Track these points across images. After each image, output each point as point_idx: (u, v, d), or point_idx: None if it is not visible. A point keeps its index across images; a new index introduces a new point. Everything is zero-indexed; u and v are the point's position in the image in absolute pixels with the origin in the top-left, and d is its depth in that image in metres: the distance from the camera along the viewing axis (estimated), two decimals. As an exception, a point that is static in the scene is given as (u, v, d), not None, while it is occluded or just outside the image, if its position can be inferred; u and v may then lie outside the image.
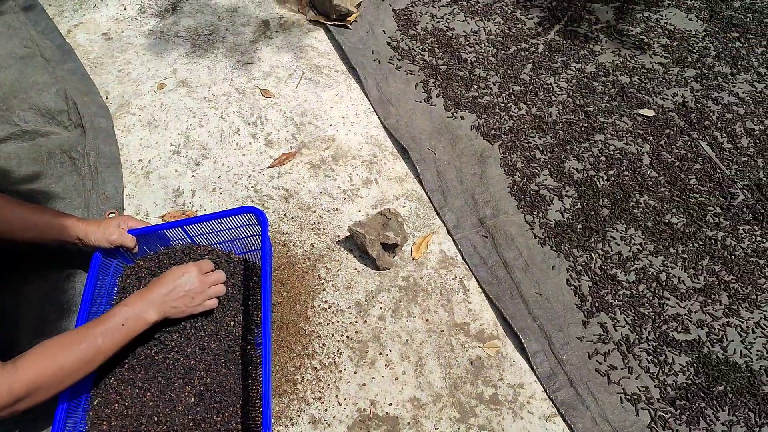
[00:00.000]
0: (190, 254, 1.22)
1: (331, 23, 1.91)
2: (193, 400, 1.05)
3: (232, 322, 1.15)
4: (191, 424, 1.03)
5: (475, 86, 1.76)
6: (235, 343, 1.12)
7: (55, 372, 0.87)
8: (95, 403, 1.06)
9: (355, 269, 1.35)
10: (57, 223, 1.13)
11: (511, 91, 1.75)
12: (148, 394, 1.06)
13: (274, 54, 1.84)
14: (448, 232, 1.43)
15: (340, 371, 1.19)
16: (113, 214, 1.38)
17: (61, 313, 1.23)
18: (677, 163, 1.57)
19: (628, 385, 1.18)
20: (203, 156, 1.55)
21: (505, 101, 1.72)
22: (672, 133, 1.65)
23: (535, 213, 1.46)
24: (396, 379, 1.19)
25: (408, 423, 1.13)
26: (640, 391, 1.18)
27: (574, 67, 1.83)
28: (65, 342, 0.91)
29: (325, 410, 1.14)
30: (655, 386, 1.19)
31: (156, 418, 1.03)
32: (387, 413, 1.14)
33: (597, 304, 1.30)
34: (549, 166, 1.56)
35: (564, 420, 1.14)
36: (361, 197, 1.48)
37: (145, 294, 1.03)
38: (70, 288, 1.27)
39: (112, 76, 1.73)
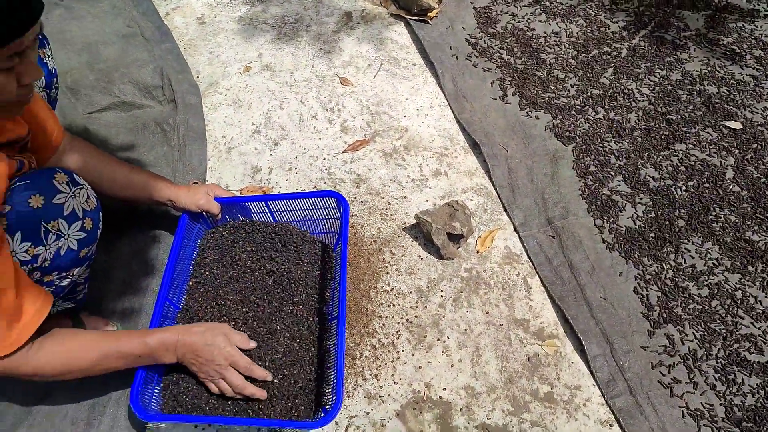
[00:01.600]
0: (267, 229, 1.28)
1: (412, 17, 1.94)
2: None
3: (305, 296, 1.19)
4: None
5: (552, 87, 1.74)
6: (308, 317, 1.17)
7: (61, 368, 0.91)
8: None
9: (419, 256, 1.37)
10: (152, 184, 1.21)
11: (589, 94, 1.72)
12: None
13: (355, 44, 1.89)
14: (515, 229, 1.43)
15: (398, 352, 1.22)
16: (196, 184, 1.47)
17: (147, 270, 1.32)
18: (763, 179, 1.50)
19: (692, 401, 1.15)
20: (282, 137, 1.62)
21: (583, 104, 1.69)
22: (759, 147, 1.58)
23: (605, 218, 1.43)
24: (452, 365, 1.20)
25: (461, 409, 1.14)
26: (704, 407, 1.14)
27: (659, 73, 1.78)
28: (83, 345, 0.94)
29: (381, 387, 1.17)
30: (720, 405, 1.14)
31: None
32: (440, 397, 1.16)
33: (665, 316, 1.26)
34: (624, 172, 1.53)
35: (621, 427, 1.12)
36: (430, 188, 1.51)
37: (175, 335, 1.01)
38: (156, 247, 1.36)
39: (203, 58, 1.84)
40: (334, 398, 0.98)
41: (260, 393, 1.03)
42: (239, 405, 1.07)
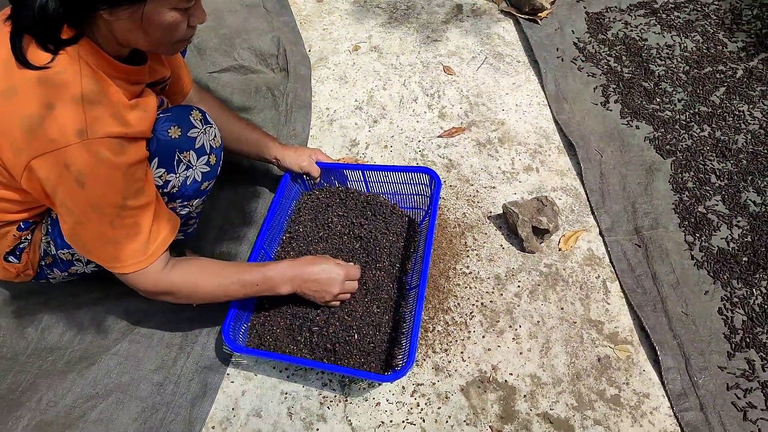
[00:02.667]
0: (360, 198, 1.36)
1: (522, 16, 1.96)
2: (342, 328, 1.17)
3: (387, 264, 1.26)
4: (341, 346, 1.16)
5: (658, 99, 1.71)
6: (389, 284, 1.24)
7: (190, 288, 1.01)
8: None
9: (501, 245, 1.40)
10: (263, 141, 1.32)
11: (696, 110, 1.68)
12: (303, 312, 1.20)
13: (462, 36, 1.93)
14: (600, 233, 1.43)
15: (469, 332, 1.26)
16: (301, 147, 1.56)
17: (244, 221, 1.43)
18: None
19: (765, 428, 1.12)
20: (381, 115, 1.69)
21: (688, 120, 1.65)
22: None
23: (697, 235, 1.40)
24: (521, 353, 1.23)
25: (524, 396, 1.17)
26: (778, 438, 1.11)
27: (775, 98, 1.71)
28: (209, 271, 1.04)
29: (449, 362, 1.21)
30: (797, 439, 1.11)
31: (306, 333, 1.17)
32: (506, 381, 1.19)
33: (748, 340, 1.23)
34: (723, 192, 1.48)
35: (686, 440, 1.11)
36: (519, 181, 1.53)
37: (290, 269, 1.10)
38: (255, 202, 1.47)
39: (316, 33, 1.94)
40: (405, 359, 1.04)
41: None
42: (315, 353, 1.15)
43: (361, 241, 1.30)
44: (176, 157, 0.98)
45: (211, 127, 1.05)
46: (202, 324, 1.25)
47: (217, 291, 1.04)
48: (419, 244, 1.31)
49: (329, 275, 1.12)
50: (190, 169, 1.01)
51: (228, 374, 1.20)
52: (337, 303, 1.18)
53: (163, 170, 0.98)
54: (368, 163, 1.54)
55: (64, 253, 1.07)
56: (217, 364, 1.20)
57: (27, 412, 1.12)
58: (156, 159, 0.96)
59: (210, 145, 1.04)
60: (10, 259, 1.09)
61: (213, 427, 1.13)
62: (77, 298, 1.28)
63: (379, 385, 1.18)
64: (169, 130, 0.96)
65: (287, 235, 1.34)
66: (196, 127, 1.01)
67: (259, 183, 1.51)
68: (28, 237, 1.08)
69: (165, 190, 1.00)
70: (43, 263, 1.10)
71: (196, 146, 1.01)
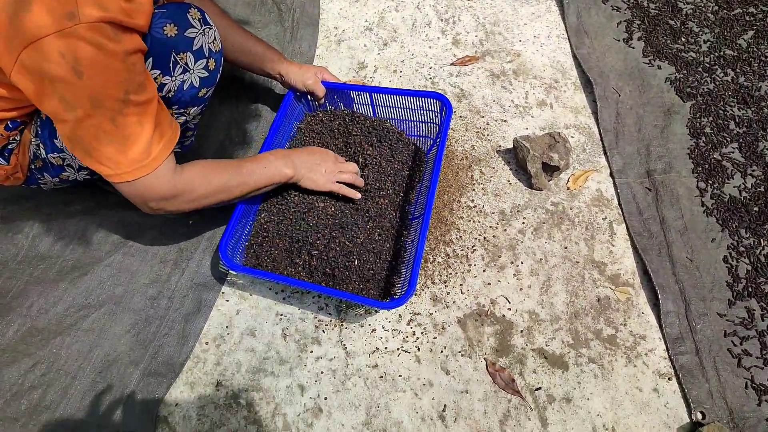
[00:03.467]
0: (366, 122, 1.30)
1: (548, -60, 1.83)
2: (342, 254, 1.15)
3: (391, 192, 1.22)
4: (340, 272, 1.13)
5: (683, 39, 1.63)
6: (392, 212, 1.20)
7: (204, 184, 0.97)
8: (261, 216, 1.20)
9: (508, 181, 1.36)
10: (268, 55, 1.24)
11: (722, 53, 1.60)
12: (303, 235, 1.17)
13: (482, -41, 1.81)
14: (611, 174, 1.38)
15: (470, 265, 1.24)
16: (307, 65, 1.49)
17: (243, 139, 1.38)
18: None
19: (758, 375, 1.12)
20: (392, 38, 1.60)
21: (712, 62, 1.58)
22: None
23: (710, 182, 1.36)
24: (520, 289, 1.21)
25: (521, 331, 1.16)
26: (769, 386, 1.11)
27: (805, 46, 1.63)
28: (219, 166, 1.01)
29: (447, 293, 1.20)
30: (787, 387, 1.11)
31: (304, 256, 1.15)
32: (503, 315, 1.18)
33: (751, 289, 1.21)
34: (741, 140, 1.43)
35: (679, 383, 1.11)
36: (532, 116, 1.47)
37: (288, 152, 1.13)
38: (255, 120, 1.41)
39: (327, -54, 1.81)
40: (405, 288, 1.02)
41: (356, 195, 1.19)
42: (313, 277, 1.13)
43: (366, 167, 1.25)
44: (172, 58, 0.91)
45: (210, 28, 0.97)
46: (198, 241, 1.22)
47: (229, 182, 1.00)
48: (425, 173, 1.27)
49: (321, 151, 1.17)
50: (187, 73, 0.95)
51: (223, 293, 1.18)
52: (339, 188, 1.17)
53: (158, 72, 0.91)
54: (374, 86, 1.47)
55: (54, 158, 1.02)
56: (211, 282, 1.18)
57: (17, 318, 1.10)
58: (151, 59, 0.89)
59: (209, 48, 0.97)
60: None
61: (206, 343, 1.13)
62: (69, 206, 1.24)
63: (376, 312, 1.17)
64: (164, 28, 0.89)
65: None
66: (195, 27, 0.93)
67: (260, 101, 1.45)
68: (17, 138, 1.02)
69: (161, 94, 0.94)
70: (33, 167, 1.05)
71: (194, 48, 0.94)
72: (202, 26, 0.95)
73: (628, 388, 1.10)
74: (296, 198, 1.20)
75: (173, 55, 0.91)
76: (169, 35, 0.89)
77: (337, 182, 1.17)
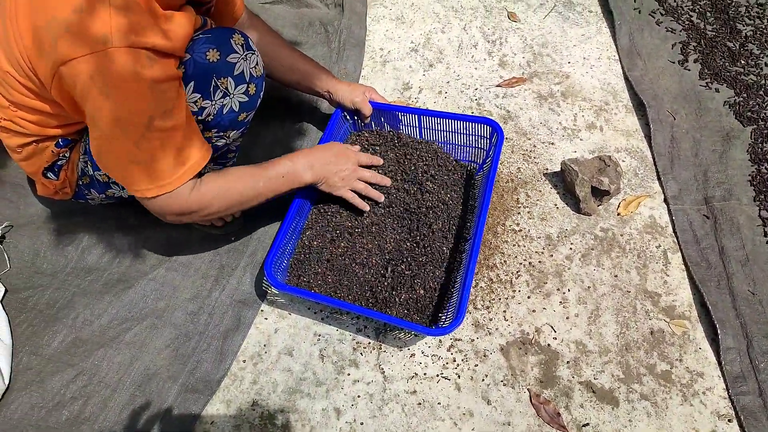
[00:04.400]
0: (411, 145, 1.28)
1: (599, -38, 1.80)
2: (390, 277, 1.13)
3: (445, 218, 1.19)
4: (387, 293, 1.11)
5: (743, 61, 1.56)
6: (443, 239, 1.17)
7: (220, 200, 0.96)
8: (306, 234, 1.19)
9: (555, 205, 1.32)
10: (316, 73, 1.25)
11: (785, 76, 1.52)
12: (348, 256, 1.16)
13: (531, -19, 1.80)
14: (665, 200, 1.32)
15: (514, 291, 1.19)
16: (355, 83, 1.49)
17: (288, 157, 1.38)
18: None
19: (832, 422, 1.03)
20: (438, 60, 1.59)
21: (775, 86, 1.50)
22: None
23: (773, 211, 1.28)
24: (567, 318, 1.16)
25: (567, 362, 1.11)
26: (843, 434, 1.02)
27: None
28: (238, 179, 0.99)
29: (490, 320, 1.16)
30: None
31: (349, 277, 1.14)
32: (549, 345, 1.13)
33: (820, 327, 1.12)
34: (808, 167, 1.35)
35: (740, 425, 1.03)
36: (581, 139, 1.43)
37: (308, 155, 1.09)
38: (300, 139, 1.42)
39: (375, -31, 1.84)
40: (453, 315, 0.99)
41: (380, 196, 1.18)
42: (357, 299, 1.11)
43: (411, 190, 1.23)
44: (213, 83, 0.92)
45: (253, 54, 0.98)
46: (239, 258, 1.23)
47: (245, 195, 1.00)
48: (476, 198, 1.23)
49: (338, 147, 1.15)
50: (227, 97, 0.95)
51: (262, 311, 1.18)
52: (352, 197, 1.16)
53: (198, 96, 0.92)
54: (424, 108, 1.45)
55: (101, 175, 1.05)
56: (251, 300, 1.18)
57: (63, 328, 1.12)
58: (192, 83, 0.91)
59: (250, 73, 0.98)
60: (48, 175, 1.08)
61: (244, 361, 1.12)
62: (118, 221, 1.27)
63: (416, 336, 1.14)
64: (207, 53, 0.90)
65: None
66: (237, 53, 0.94)
67: (305, 120, 1.46)
68: (66, 155, 1.06)
69: (200, 118, 0.95)
70: (81, 183, 1.09)
71: (235, 73, 0.95)
72: (244, 52, 0.96)
73: (684, 428, 1.03)
74: (344, 217, 1.20)
75: (214, 79, 0.92)
76: (211, 60, 0.91)
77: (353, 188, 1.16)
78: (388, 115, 1.31)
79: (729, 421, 1.04)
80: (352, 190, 1.16)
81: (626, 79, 1.54)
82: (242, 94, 0.98)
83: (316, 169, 1.09)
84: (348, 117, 1.31)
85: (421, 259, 1.13)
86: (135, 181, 0.86)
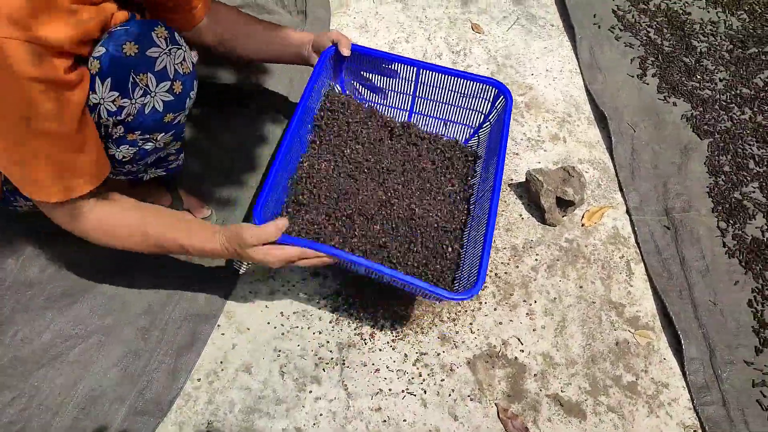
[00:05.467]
0: (407, 132, 1.22)
1: (560, -22, 1.83)
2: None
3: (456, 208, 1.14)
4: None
5: (698, 77, 1.60)
6: (456, 227, 1.11)
7: (105, 241, 0.92)
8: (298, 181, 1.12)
9: (520, 215, 1.31)
10: (291, 33, 1.20)
11: (738, 92, 1.57)
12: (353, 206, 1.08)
13: (494, -6, 1.81)
14: (627, 212, 1.33)
15: (481, 303, 1.17)
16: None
17: (249, 166, 1.34)
18: None
19: (792, 431, 1.04)
20: (402, 69, 1.58)
21: (729, 101, 1.54)
22: None
23: (731, 221, 1.31)
24: (534, 330, 1.14)
25: (535, 375, 1.09)
26: (803, 442, 1.03)
27: (823, 86, 1.60)
28: (128, 228, 0.93)
29: (456, 332, 1.13)
30: (823, 444, 1.03)
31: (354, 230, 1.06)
32: (516, 358, 1.11)
33: (779, 336, 1.14)
34: (761, 179, 1.39)
35: (705, 436, 1.03)
36: (545, 150, 1.43)
37: (238, 251, 0.94)
38: (261, 146, 1.37)
39: (339, -23, 1.82)
40: (474, 278, 0.92)
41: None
42: (369, 250, 1.04)
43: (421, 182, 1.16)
44: (131, 79, 0.84)
45: (179, 48, 0.90)
46: (196, 268, 1.16)
47: (135, 247, 0.94)
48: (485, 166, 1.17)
49: (272, 257, 0.95)
50: (148, 96, 0.87)
51: (219, 325, 1.12)
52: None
53: (116, 93, 0.84)
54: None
55: None
56: (208, 314, 1.12)
57: (0, 347, 1.04)
58: (108, 79, 0.83)
59: (175, 69, 0.90)
60: None
61: (199, 379, 1.05)
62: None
63: (380, 351, 1.10)
64: (123, 46, 0.82)
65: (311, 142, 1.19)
66: (159, 46, 0.86)
67: (268, 127, 1.41)
68: None
69: (119, 118, 0.87)
70: (6, 189, 1.00)
71: (156, 68, 0.87)
72: (168, 46, 0.88)
73: (651, 440, 1.02)
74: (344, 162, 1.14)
75: (132, 75, 0.84)
76: (128, 54, 0.83)
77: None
78: (375, 65, 1.20)
79: (694, 431, 1.04)
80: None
81: (588, 91, 1.56)
82: (166, 92, 0.90)
83: (228, 245, 0.95)
84: (329, 66, 1.19)
85: (433, 223, 1.08)
86: (17, 181, 0.81)
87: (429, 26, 1.69)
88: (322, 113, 1.20)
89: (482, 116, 1.22)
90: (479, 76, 1.17)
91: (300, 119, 1.08)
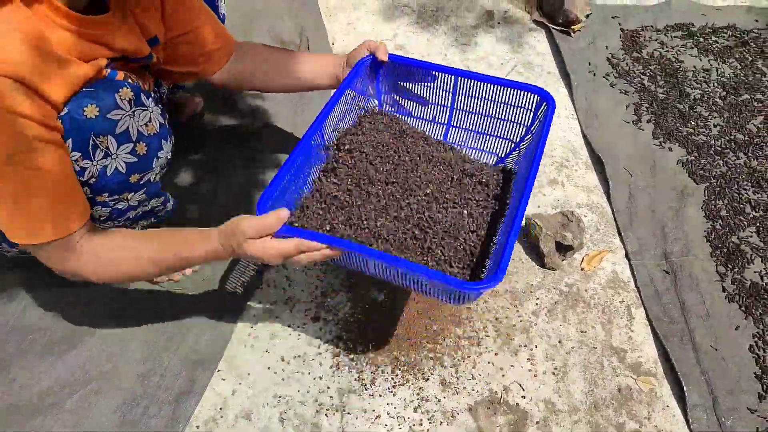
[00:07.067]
0: (439, 149, 1.15)
1: (555, 27, 1.89)
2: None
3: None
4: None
5: (693, 123, 1.63)
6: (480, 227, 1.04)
7: (98, 276, 0.92)
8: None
9: (520, 259, 1.32)
10: (317, 59, 1.20)
11: (732, 137, 1.60)
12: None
13: (491, 43, 1.86)
14: (626, 256, 1.34)
15: (481, 348, 1.17)
16: None
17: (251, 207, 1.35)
18: None
19: (799, 481, 1.02)
20: (403, 114, 1.61)
21: (724, 146, 1.57)
22: None
23: (729, 266, 1.32)
24: (535, 375, 1.14)
25: (537, 422, 1.08)
26: (811, 493, 1.01)
27: (815, 132, 1.63)
28: (123, 252, 0.92)
29: (458, 378, 1.12)
30: (831, 496, 1.01)
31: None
32: (518, 404, 1.10)
33: (782, 383, 1.14)
34: (758, 224, 1.40)
35: (711, 486, 1.02)
36: (543, 194, 1.45)
37: (235, 248, 0.88)
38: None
39: (340, 26, 1.88)
40: (495, 268, 0.83)
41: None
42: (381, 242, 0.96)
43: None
44: (91, 141, 0.85)
45: (144, 110, 0.91)
46: (197, 312, 1.17)
47: (134, 272, 0.93)
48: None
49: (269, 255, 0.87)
50: (109, 158, 0.88)
51: (219, 371, 1.11)
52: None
53: (78, 154, 0.84)
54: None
55: None
56: (208, 359, 1.11)
57: (-2, 393, 1.03)
58: (70, 140, 0.83)
59: (139, 131, 0.90)
60: None
61: (198, 426, 1.04)
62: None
63: (380, 396, 1.09)
64: (85, 109, 0.83)
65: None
66: (121, 108, 0.87)
67: (271, 171, 1.43)
68: None
69: (82, 179, 0.87)
70: None
71: (118, 131, 0.87)
72: (132, 108, 0.89)
73: (656, 491, 1.00)
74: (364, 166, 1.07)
75: (92, 138, 0.85)
76: (88, 116, 0.83)
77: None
78: (418, 74, 1.16)
79: (700, 482, 1.02)
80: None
81: (584, 136, 1.59)
82: (128, 154, 0.90)
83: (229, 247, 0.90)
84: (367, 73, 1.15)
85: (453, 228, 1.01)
86: (6, 223, 0.81)
87: (428, 73, 1.74)
88: (350, 125, 1.14)
89: (524, 129, 1.16)
90: (521, 83, 1.12)
91: (319, 126, 1.03)
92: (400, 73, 1.18)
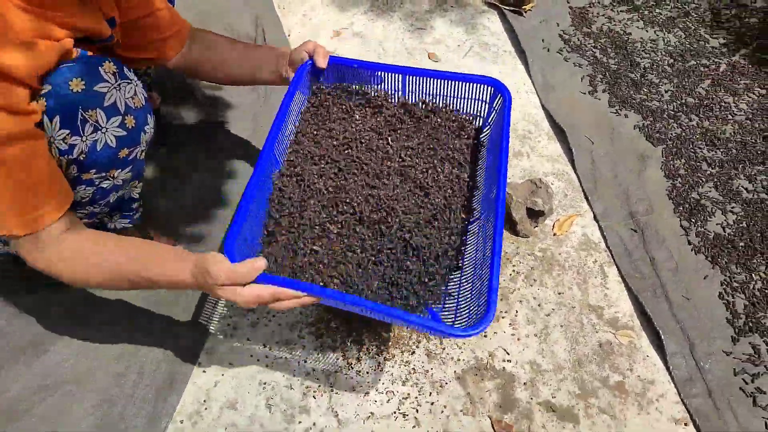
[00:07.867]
0: (407, 109, 1.12)
1: (507, 7, 1.92)
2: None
3: (444, 188, 1.04)
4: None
5: (645, 90, 1.69)
6: (456, 229, 1.02)
7: (72, 279, 0.86)
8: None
9: (493, 230, 1.33)
10: (268, 50, 1.18)
11: (683, 101, 1.66)
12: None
13: (447, 26, 1.88)
14: (594, 218, 1.37)
15: (463, 317, 1.17)
16: None
17: (218, 201, 1.33)
18: None
19: (777, 414, 1.06)
20: (365, 99, 1.61)
21: (676, 110, 1.63)
22: None
23: (692, 220, 1.36)
24: (518, 339, 1.15)
25: (524, 383, 1.08)
26: (788, 425, 1.05)
27: (758, 92, 1.71)
28: (98, 260, 0.86)
29: (443, 348, 1.12)
30: (807, 425, 1.05)
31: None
32: (504, 368, 1.10)
33: (751, 324, 1.18)
34: (715, 179, 1.45)
35: (696, 428, 1.04)
36: (511, 166, 1.47)
37: (206, 288, 0.84)
38: (231, 182, 1.36)
39: (296, 18, 1.86)
40: (483, 309, 0.80)
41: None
42: (354, 285, 0.91)
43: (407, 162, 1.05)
44: (80, 116, 0.83)
45: (129, 83, 0.89)
46: (170, 307, 1.13)
47: (104, 284, 0.88)
48: (485, 163, 1.07)
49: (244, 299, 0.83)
50: (99, 132, 0.86)
51: (199, 363, 1.08)
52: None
53: (66, 132, 0.82)
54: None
55: None
56: (186, 352, 1.08)
57: (-36, 405, 0.97)
58: (57, 118, 0.81)
59: (126, 104, 0.89)
60: None
61: (181, 422, 1.01)
62: (30, 279, 1.14)
63: (367, 374, 1.08)
64: (70, 83, 0.81)
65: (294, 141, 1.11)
66: (107, 81, 0.85)
67: (236, 162, 1.41)
68: None
69: (71, 157, 0.85)
70: None
71: (105, 104, 0.85)
72: (117, 80, 0.87)
73: (645, 437, 1.02)
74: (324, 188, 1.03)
75: (81, 112, 0.83)
76: (74, 90, 0.81)
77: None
78: (363, 75, 1.12)
79: (685, 424, 1.05)
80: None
81: (544, 109, 1.62)
82: (117, 127, 0.88)
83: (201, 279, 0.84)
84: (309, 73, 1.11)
85: (433, 236, 0.97)
86: None
87: (387, 58, 1.74)
88: (301, 123, 1.13)
89: (481, 120, 1.14)
90: (472, 75, 1.08)
91: (271, 146, 1.01)
92: (345, 74, 1.14)
